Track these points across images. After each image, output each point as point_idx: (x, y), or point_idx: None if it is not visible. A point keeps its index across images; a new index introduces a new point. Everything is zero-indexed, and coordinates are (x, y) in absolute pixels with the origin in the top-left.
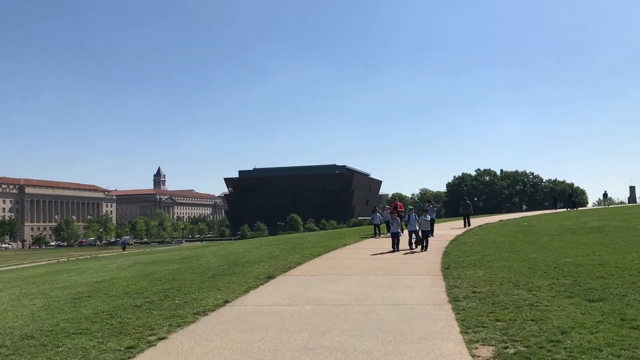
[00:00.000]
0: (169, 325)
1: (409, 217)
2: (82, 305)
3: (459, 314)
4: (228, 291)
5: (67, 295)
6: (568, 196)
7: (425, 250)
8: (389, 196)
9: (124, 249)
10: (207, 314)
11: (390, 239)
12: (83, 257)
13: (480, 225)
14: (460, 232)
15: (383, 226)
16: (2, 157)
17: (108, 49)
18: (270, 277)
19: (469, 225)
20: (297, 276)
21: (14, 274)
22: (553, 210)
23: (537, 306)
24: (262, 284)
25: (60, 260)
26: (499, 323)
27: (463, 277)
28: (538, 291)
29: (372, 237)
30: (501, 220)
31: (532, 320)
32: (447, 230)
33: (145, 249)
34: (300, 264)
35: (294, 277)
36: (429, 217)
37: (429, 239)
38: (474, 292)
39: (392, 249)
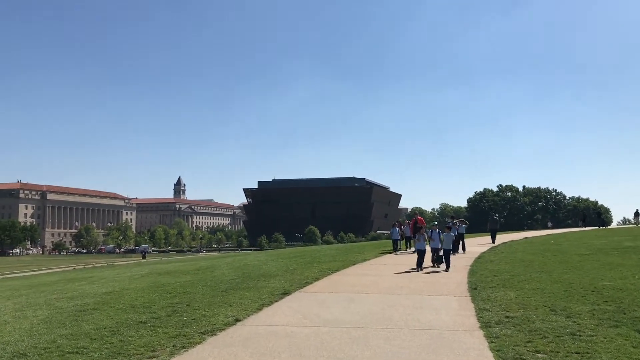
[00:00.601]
0: (173, 346)
1: (432, 233)
2: (84, 319)
3: (492, 342)
4: (240, 308)
5: (73, 307)
6: (597, 214)
7: (447, 270)
8: (409, 210)
9: (143, 257)
10: (215, 334)
11: (410, 255)
12: (99, 264)
13: (505, 243)
14: (484, 249)
15: (403, 242)
16: (25, 164)
17: (132, 60)
18: (286, 294)
19: (494, 241)
20: (314, 293)
21: (26, 281)
22: (581, 228)
23: (580, 336)
24: (276, 301)
25: (76, 267)
26: (539, 355)
27: (493, 299)
28: (578, 318)
29: (391, 253)
30: (526, 238)
31: (577, 353)
32: (472, 247)
33: (162, 258)
34: (317, 279)
35: (311, 294)
36: (452, 234)
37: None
38: (507, 316)
39: (415, 267)
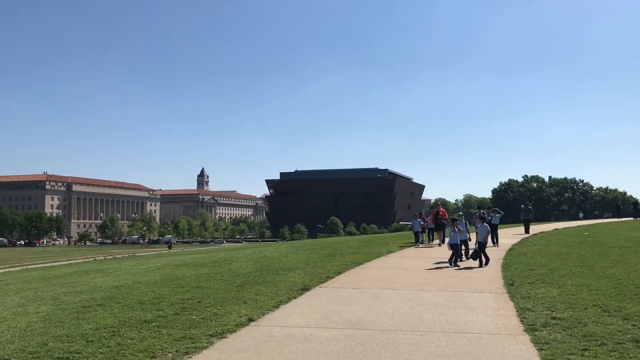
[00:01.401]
0: (176, 350)
1: (459, 224)
2: (86, 318)
3: (542, 349)
4: (255, 305)
5: (78, 303)
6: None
7: (481, 265)
8: (432, 201)
9: (170, 247)
10: (224, 337)
11: (434, 248)
12: (120, 255)
13: (536, 234)
14: (515, 240)
15: (426, 234)
16: (52, 156)
17: (154, 51)
18: (305, 289)
19: (528, 232)
20: (336, 289)
21: (43, 273)
22: (614, 219)
23: None
24: (295, 298)
25: (97, 258)
26: None
27: (534, 296)
28: (638, 320)
29: (412, 246)
30: (556, 229)
31: None
32: (503, 239)
33: (183, 249)
34: (339, 273)
35: (332, 290)
36: (487, 225)
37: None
38: (554, 317)
39: (445, 261)
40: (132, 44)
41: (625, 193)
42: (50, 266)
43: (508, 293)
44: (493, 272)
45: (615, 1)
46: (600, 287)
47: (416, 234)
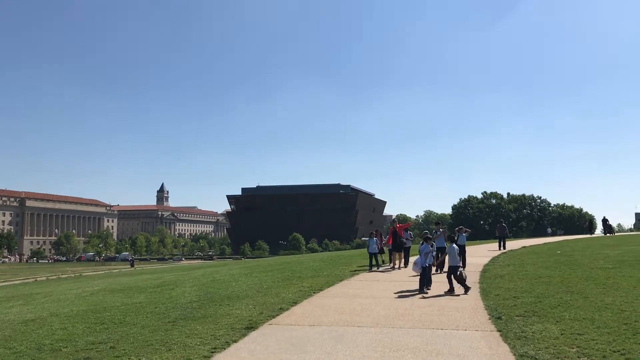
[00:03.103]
0: None
1: (424, 246)
2: None
3: None
4: (181, 354)
5: None
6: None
7: (466, 294)
8: (393, 217)
9: (132, 265)
10: None
11: (399, 271)
12: (66, 275)
13: (505, 252)
14: (486, 260)
15: (386, 255)
16: (4, 170)
17: (116, 63)
18: (251, 327)
19: (504, 248)
20: (289, 326)
21: None
22: (588, 235)
23: None
24: (235, 341)
25: (39, 279)
26: None
27: (531, 336)
28: None
29: (370, 270)
30: (524, 247)
31: None
32: (473, 258)
33: (135, 268)
34: (295, 303)
35: (284, 329)
36: (456, 247)
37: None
38: None
39: (418, 290)
40: (92, 55)
41: (581, 210)
42: None
43: (498, 330)
44: (472, 300)
45: (571, 25)
46: (607, 322)
47: (371, 256)
